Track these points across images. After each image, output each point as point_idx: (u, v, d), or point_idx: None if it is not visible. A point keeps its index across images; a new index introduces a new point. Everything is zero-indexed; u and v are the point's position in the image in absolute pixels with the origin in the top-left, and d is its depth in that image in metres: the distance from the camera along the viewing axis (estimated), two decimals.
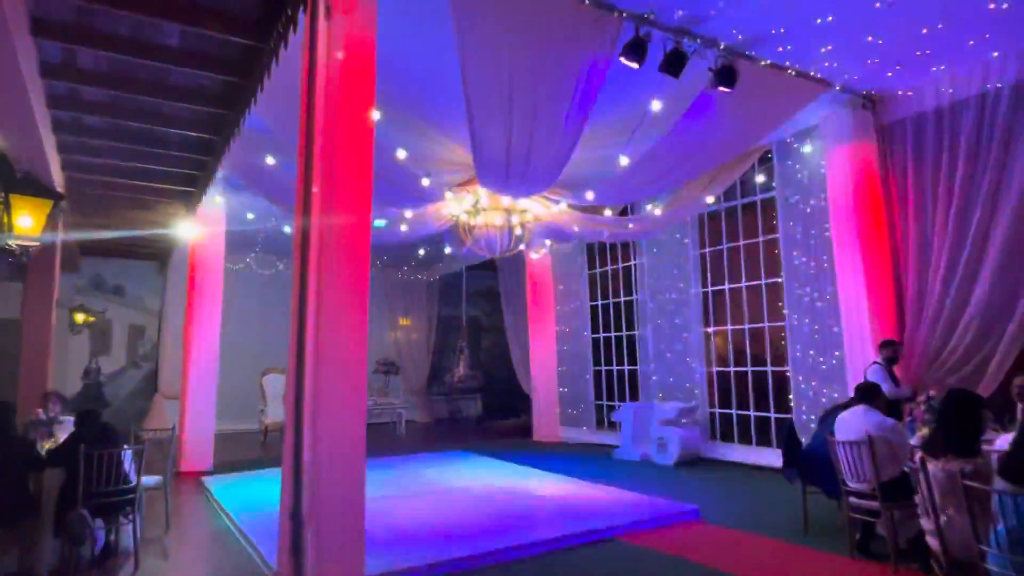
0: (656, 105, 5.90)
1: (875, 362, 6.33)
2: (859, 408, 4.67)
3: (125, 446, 4.94)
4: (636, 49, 5.25)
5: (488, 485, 7.42)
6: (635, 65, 5.29)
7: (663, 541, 5.23)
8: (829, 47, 5.84)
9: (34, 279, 7.99)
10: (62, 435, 5.09)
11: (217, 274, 8.90)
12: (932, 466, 3.41)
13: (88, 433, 4.65)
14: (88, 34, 4.87)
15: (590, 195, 7.07)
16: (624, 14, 5.12)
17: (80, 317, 12.45)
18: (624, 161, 6.38)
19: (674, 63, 5.45)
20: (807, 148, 7.73)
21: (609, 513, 5.87)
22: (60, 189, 7.70)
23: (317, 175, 3.77)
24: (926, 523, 3.49)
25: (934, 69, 6.33)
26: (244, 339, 12.21)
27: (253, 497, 6.67)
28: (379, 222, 8.71)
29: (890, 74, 6.43)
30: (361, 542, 3.67)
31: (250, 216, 8.80)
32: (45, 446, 4.96)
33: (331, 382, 3.64)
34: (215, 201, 8.71)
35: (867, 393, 4.72)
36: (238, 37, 4.83)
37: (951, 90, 6.39)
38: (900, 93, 6.81)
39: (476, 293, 16.37)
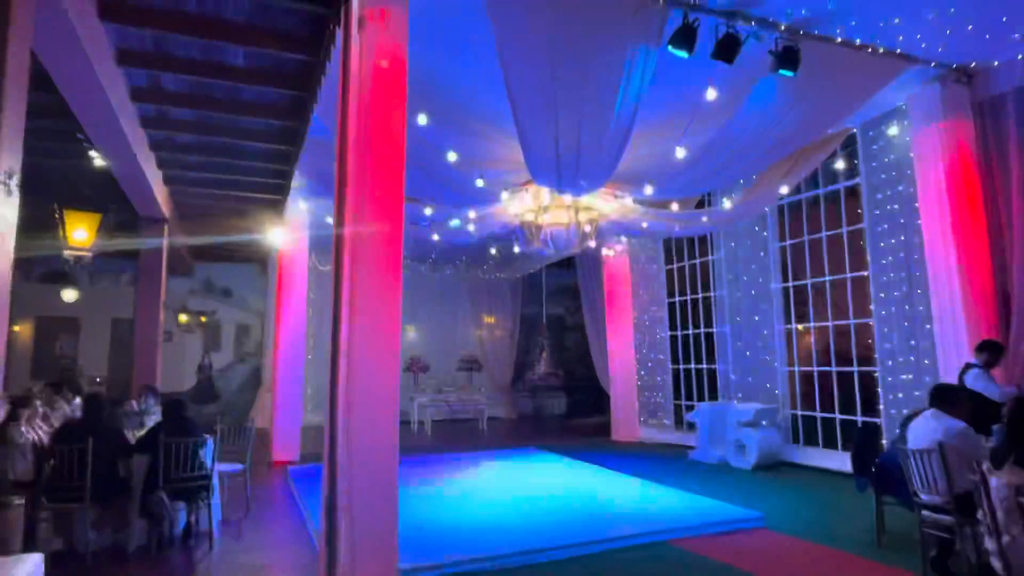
0: (712, 94, 5.64)
1: (974, 365, 5.72)
2: (928, 412, 4.25)
3: (206, 436, 5.42)
4: (685, 37, 5.06)
5: (550, 484, 7.40)
6: (684, 54, 5.10)
7: (718, 548, 5.02)
8: (911, 18, 5.34)
9: (144, 283, 8.88)
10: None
11: (301, 276, 9.42)
12: (995, 479, 3.06)
13: (169, 423, 5.12)
14: (167, 59, 5.36)
15: (648, 189, 6.88)
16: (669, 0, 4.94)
17: (184, 318, 13.63)
18: (681, 153, 6.15)
19: (727, 49, 5.19)
20: (893, 130, 7.11)
21: (667, 516, 5.72)
22: (164, 203, 8.52)
23: (351, 180, 3.94)
24: (989, 543, 3.14)
25: None
26: None
27: None
28: (453, 222, 8.94)
29: (986, 43, 5.79)
30: (394, 533, 3.81)
31: (329, 220, 9.26)
32: (137, 435, 5.50)
33: (364, 380, 3.82)
34: (300, 207, 9.25)
35: (939, 396, 4.29)
36: (292, 53, 5.15)
37: None
38: (999, 64, 6.12)
39: (559, 291, 16.35)
